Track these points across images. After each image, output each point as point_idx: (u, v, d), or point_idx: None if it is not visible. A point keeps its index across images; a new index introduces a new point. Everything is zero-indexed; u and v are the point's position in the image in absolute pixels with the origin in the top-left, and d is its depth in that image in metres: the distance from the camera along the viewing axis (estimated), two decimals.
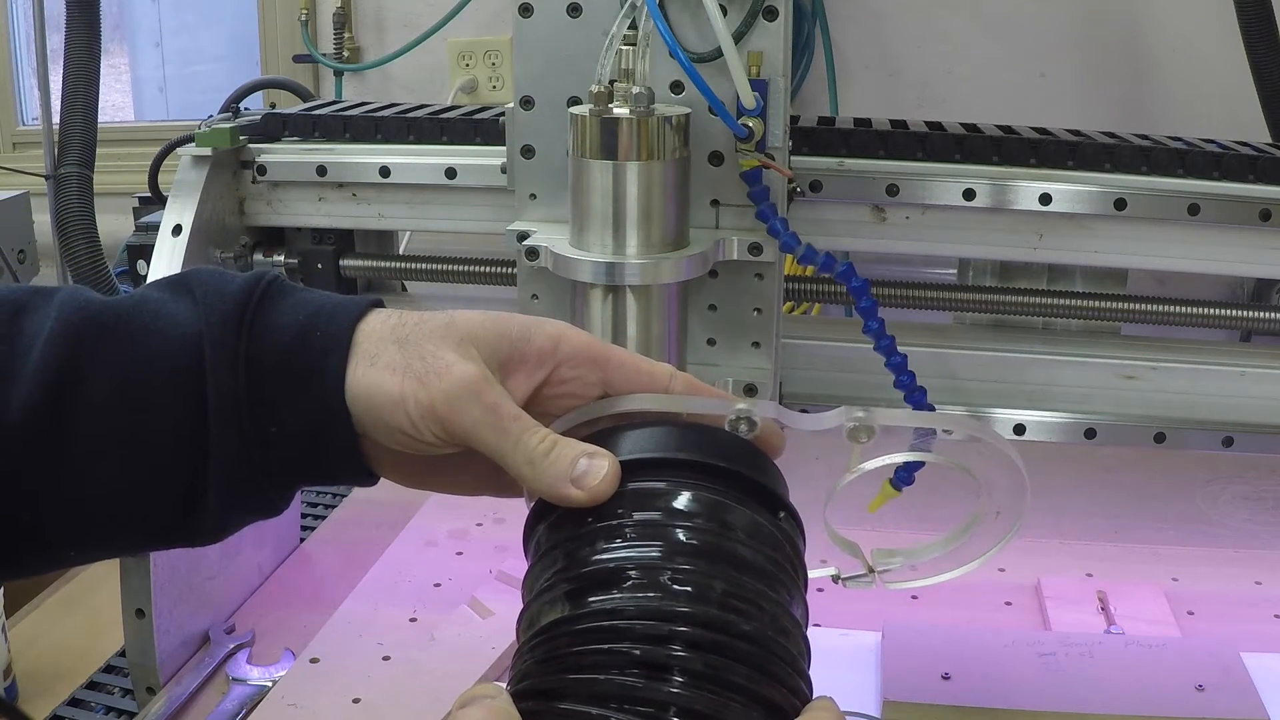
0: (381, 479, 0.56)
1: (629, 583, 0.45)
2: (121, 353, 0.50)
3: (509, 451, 0.49)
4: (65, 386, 0.49)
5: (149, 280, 0.96)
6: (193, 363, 0.50)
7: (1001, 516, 0.58)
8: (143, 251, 1.07)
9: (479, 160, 1.01)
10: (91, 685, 1.02)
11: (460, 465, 0.55)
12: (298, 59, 2.04)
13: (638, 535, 0.46)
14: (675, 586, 0.45)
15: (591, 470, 0.48)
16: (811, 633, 0.48)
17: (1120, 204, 0.94)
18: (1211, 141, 1.00)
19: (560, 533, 0.49)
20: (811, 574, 0.52)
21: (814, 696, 0.47)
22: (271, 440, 0.51)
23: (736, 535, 0.47)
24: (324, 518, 1.30)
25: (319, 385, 0.50)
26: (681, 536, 0.46)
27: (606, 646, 0.43)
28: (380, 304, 0.53)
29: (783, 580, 0.48)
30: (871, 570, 0.59)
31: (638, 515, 0.47)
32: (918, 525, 1.27)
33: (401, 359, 0.50)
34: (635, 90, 0.79)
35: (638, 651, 0.43)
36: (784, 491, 0.51)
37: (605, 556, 0.46)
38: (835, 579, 0.59)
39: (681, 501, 0.48)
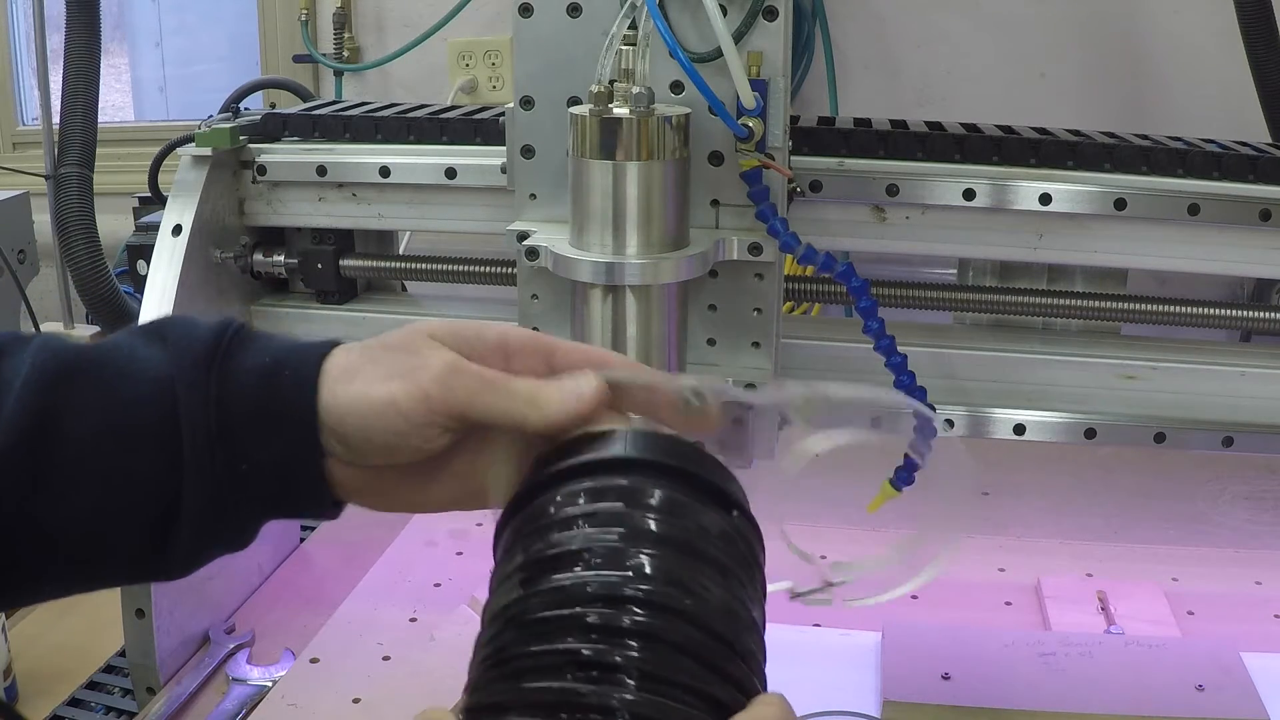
0: (346, 511, 0.58)
1: (580, 564, 0.46)
2: (97, 397, 0.52)
3: (509, 402, 0.52)
4: (42, 430, 0.51)
5: (149, 273, 0.99)
6: (166, 406, 0.52)
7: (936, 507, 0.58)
8: (143, 251, 1.07)
9: (479, 160, 1.01)
10: (91, 685, 1.02)
11: (431, 475, 0.56)
12: (298, 59, 2.04)
13: (591, 525, 0.47)
14: (626, 563, 0.45)
15: (583, 383, 0.52)
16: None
17: (1120, 204, 0.94)
18: (1211, 141, 1.00)
19: (520, 531, 0.50)
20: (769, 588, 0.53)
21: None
22: (242, 478, 0.53)
23: (689, 526, 0.48)
24: None
25: (288, 422, 0.52)
26: (636, 525, 0.47)
27: (551, 646, 0.43)
28: (340, 343, 0.55)
29: (736, 574, 0.48)
30: (829, 584, 0.59)
31: (592, 507, 0.48)
32: (917, 524, 1.27)
33: (382, 369, 0.52)
34: (635, 90, 0.79)
35: (586, 651, 0.43)
36: (739, 492, 0.52)
37: (557, 548, 0.47)
38: (792, 595, 0.60)
39: (634, 496, 0.49)
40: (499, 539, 0.52)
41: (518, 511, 0.51)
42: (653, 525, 0.47)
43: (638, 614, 0.44)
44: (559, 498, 0.49)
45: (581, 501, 0.49)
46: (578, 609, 0.44)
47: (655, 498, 0.49)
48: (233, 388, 0.52)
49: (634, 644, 0.43)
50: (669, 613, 0.44)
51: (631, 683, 0.42)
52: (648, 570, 0.45)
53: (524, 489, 0.52)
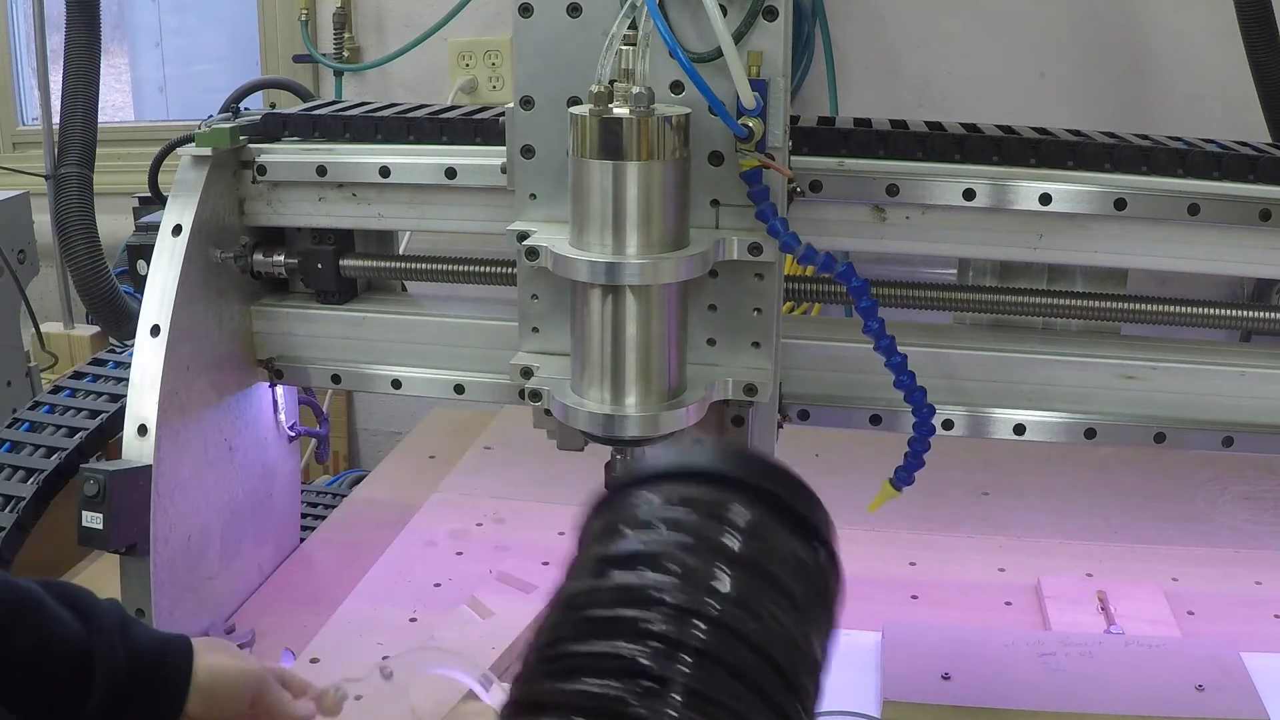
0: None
1: (652, 568, 0.45)
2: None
3: (285, 697, 0.79)
4: None
5: (149, 273, 1.01)
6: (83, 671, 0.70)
7: None
8: (143, 251, 1.07)
9: (479, 160, 1.01)
10: None
11: None
12: (298, 59, 2.04)
13: (672, 531, 0.47)
14: (697, 577, 0.45)
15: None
16: None
17: (1120, 204, 0.94)
18: (1211, 141, 1.00)
19: (604, 523, 0.50)
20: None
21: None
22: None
23: (769, 550, 0.47)
24: (324, 518, 1.30)
25: (173, 674, 0.73)
26: (715, 540, 0.47)
27: (607, 647, 0.43)
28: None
29: (807, 608, 0.47)
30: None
31: (676, 514, 0.48)
32: (917, 524, 1.27)
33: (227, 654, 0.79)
34: (635, 90, 0.79)
35: (642, 660, 0.42)
36: (825, 525, 0.51)
37: (634, 547, 0.47)
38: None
39: (720, 511, 0.48)
40: (586, 526, 0.52)
41: (608, 503, 0.51)
42: (732, 544, 0.47)
43: (699, 629, 0.43)
44: (650, 498, 0.49)
45: (668, 507, 0.48)
46: (640, 611, 0.44)
47: (741, 516, 0.48)
48: (136, 649, 0.72)
49: (689, 660, 0.43)
50: (731, 634, 0.44)
51: (678, 699, 0.42)
52: (718, 587, 0.45)
53: (616, 482, 0.51)
